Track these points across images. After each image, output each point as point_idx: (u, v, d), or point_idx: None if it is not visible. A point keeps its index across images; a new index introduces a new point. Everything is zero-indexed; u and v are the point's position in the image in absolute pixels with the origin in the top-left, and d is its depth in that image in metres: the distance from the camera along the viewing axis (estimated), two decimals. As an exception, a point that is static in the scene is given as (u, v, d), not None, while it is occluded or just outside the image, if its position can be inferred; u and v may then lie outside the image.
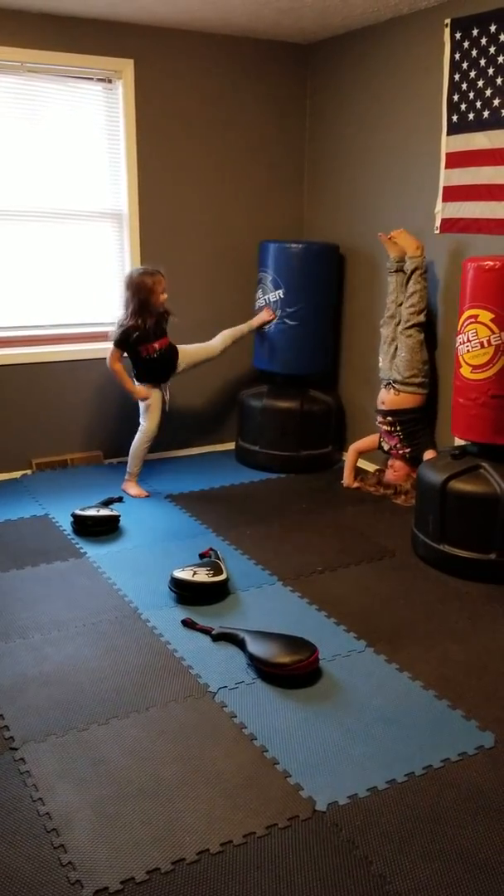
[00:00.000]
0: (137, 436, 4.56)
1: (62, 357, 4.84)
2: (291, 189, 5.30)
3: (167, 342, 4.48)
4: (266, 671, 2.78)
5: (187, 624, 3.15)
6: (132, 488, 4.53)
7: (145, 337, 4.35)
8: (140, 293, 4.31)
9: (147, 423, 4.54)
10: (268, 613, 3.26)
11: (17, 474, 4.79)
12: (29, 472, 4.84)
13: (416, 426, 4.37)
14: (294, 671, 2.76)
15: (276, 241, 4.87)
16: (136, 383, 4.52)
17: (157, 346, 4.41)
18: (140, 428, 4.56)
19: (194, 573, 3.36)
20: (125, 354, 4.42)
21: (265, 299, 4.90)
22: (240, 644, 2.96)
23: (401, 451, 4.44)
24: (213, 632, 3.05)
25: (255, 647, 2.86)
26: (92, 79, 4.59)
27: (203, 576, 3.34)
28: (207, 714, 2.60)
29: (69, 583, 3.50)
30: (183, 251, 5.04)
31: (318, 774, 2.33)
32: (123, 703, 2.66)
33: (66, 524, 4.08)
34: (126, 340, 4.35)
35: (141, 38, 4.60)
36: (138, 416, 4.56)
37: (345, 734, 2.51)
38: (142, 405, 4.54)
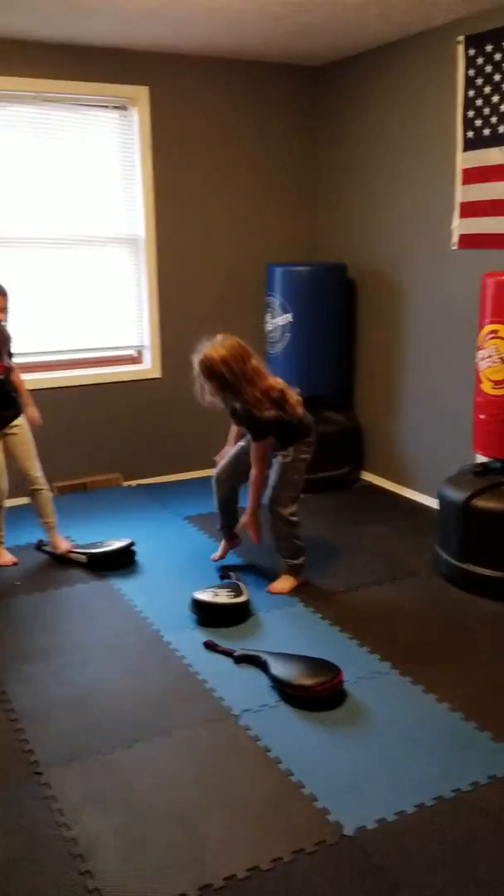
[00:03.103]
0: None
1: (81, 381, 4.87)
2: (304, 210, 5.34)
3: (2, 370, 3.68)
4: (290, 693, 2.76)
5: (209, 646, 3.13)
6: None
7: None
8: None
9: None
10: (289, 635, 3.23)
11: (37, 498, 4.80)
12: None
13: None
14: (318, 693, 2.73)
15: (283, 265, 4.89)
16: None
17: None
18: None
19: (215, 594, 3.34)
20: None
21: (274, 323, 4.92)
22: (262, 666, 2.94)
23: None
24: (235, 654, 3.04)
25: (278, 670, 2.84)
26: (107, 106, 4.66)
27: (224, 597, 3.33)
28: (231, 737, 2.58)
29: (91, 605, 3.50)
30: (197, 274, 5.08)
31: (345, 798, 2.30)
32: (147, 726, 2.64)
33: (86, 547, 4.09)
34: None
35: (155, 65, 4.67)
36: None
37: (371, 757, 2.48)
38: None
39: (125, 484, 5.07)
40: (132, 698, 2.80)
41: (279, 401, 3.38)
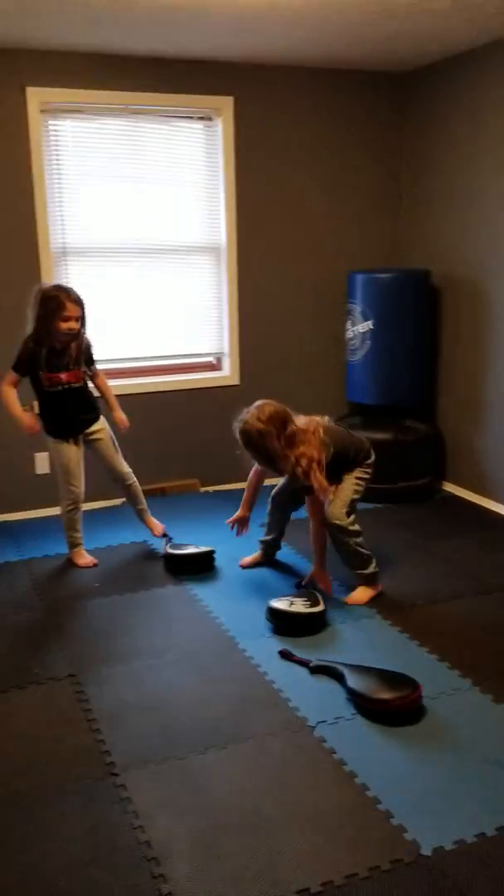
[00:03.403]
0: None
1: (160, 388, 4.93)
2: (387, 217, 5.28)
3: (80, 377, 3.81)
4: (367, 706, 2.71)
5: (284, 655, 3.11)
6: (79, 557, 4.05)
7: (49, 362, 3.71)
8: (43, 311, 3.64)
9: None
10: (366, 647, 3.19)
11: (117, 502, 4.88)
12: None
13: None
14: (396, 708, 2.68)
15: (364, 272, 4.85)
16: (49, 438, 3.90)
17: (65, 377, 3.76)
18: None
19: (291, 603, 3.32)
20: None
21: (354, 330, 4.88)
22: (338, 678, 2.90)
23: None
24: (311, 664, 3.01)
25: (355, 682, 2.80)
26: (192, 117, 4.72)
27: (300, 606, 3.31)
28: (306, 748, 2.55)
29: (167, 609, 3.53)
30: (278, 281, 5.09)
31: (423, 816, 2.25)
32: (221, 733, 2.64)
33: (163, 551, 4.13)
34: (19, 360, 3.71)
35: (240, 75, 4.71)
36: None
37: (450, 776, 2.42)
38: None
39: (202, 490, 5.10)
40: (207, 704, 2.80)
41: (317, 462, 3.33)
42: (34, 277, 4.48)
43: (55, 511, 4.60)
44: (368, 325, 4.79)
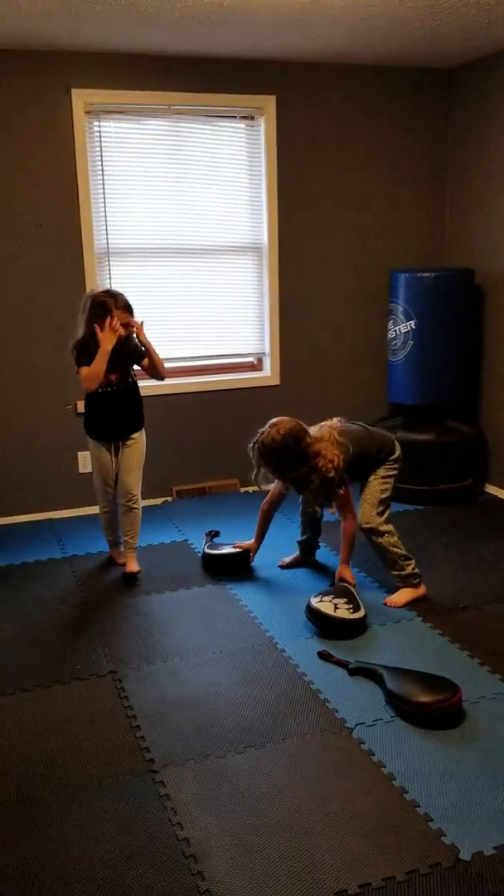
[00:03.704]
0: None
1: (201, 388, 4.96)
2: (430, 216, 5.23)
3: (129, 377, 3.78)
4: (406, 709, 2.70)
5: (323, 656, 3.11)
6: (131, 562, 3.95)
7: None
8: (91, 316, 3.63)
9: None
10: (405, 650, 3.17)
11: (158, 501, 4.93)
12: (170, 498, 4.97)
13: None
14: (436, 711, 2.66)
15: (406, 271, 4.81)
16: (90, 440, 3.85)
17: (114, 378, 3.71)
18: None
19: (335, 607, 3.30)
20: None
21: (396, 330, 4.85)
22: (378, 680, 2.89)
23: None
24: (350, 666, 3.00)
25: (395, 684, 2.78)
26: (235, 117, 4.73)
27: (344, 611, 3.29)
28: (345, 750, 2.55)
29: (207, 608, 3.54)
30: (319, 281, 5.08)
31: (462, 821, 2.23)
32: (260, 732, 2.65)
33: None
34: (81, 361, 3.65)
35: (282, 74, 4.70)
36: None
37: (490, 781, 2.39)
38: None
39: (242, 490, 5.12)
40: (246, 704, 2.81)
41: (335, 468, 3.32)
42: (78, 277, 4.54)
43: (97, 509, 4.66)
44: (411, 324, 4.75)
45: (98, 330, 3.56)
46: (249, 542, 3.95)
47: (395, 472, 3.60)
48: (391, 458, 3.59)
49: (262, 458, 3.38)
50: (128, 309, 3.66)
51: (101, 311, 3.58)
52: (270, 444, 3.33)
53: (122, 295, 3.66)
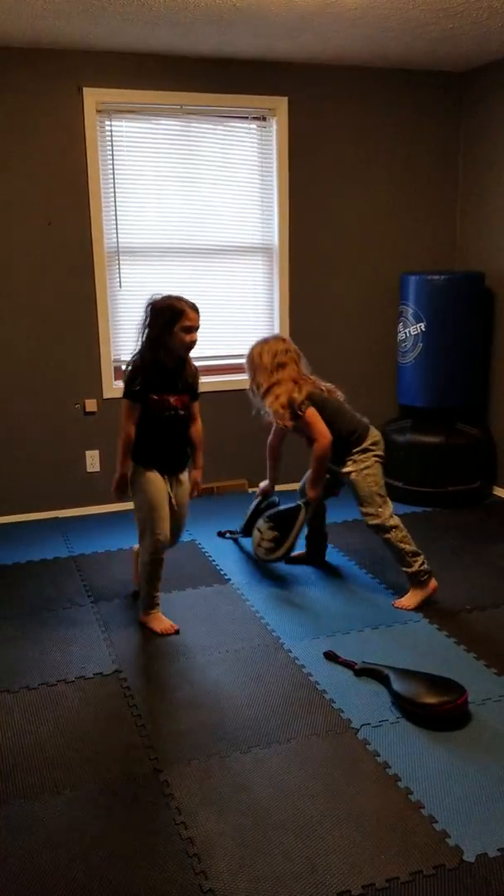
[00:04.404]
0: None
1: (212, 387, 4.95)
2: (440, 219, 5.23)
3: (188, 403, 3.27)
4: (411, 711, 2.69)
5: (329, 657, 3.10)
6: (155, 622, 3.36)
7: (157, 383, 3.17)
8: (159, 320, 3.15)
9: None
10: (411, 651, 3.16)
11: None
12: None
13: None
14: (441, 713, 2.65)
15: (416, 274, 4.80)
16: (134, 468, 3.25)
17: (174, 401, 3.22)
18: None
19: (259, 543, 3.38)
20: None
21: (406, 332, 4.84)
22: (384, 681, 2.88)
23: None
24: (356, 667, 2.99)
25: (400, 686, 2.77)
26: (247, 117, 4.74)
27: (262, 550, 3.34)
28: (350, 750, 2.54)
29: (214, 608, 3.54)
30: (329, 282, 5.07)
31: (466, 823, 2.22)
32: (265, 732, 2.64)
33: (211, 550, 4.15)
34: (135, 385, 3.15)
35: (295, 75, 4.71)
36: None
37: (495, 783, 2.38)
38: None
39: (250, 490, 5.11)
40: (251, 704, 2.81)
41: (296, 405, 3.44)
42: (88, 275, 4.55)
43: (104, 508, 4.67)
44: (421, 327, 4.75)
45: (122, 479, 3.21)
46: (265, 483, 4.05)
47: (375, 460, 3.54)
48: (361, 445, 3.53)
49: (247, 357, 3.63)
50: (198, 312, 3.20)
51: (169, 314, 3.12)
52: (251, 350, 3.61)
53: (185, 298, 3.21)
